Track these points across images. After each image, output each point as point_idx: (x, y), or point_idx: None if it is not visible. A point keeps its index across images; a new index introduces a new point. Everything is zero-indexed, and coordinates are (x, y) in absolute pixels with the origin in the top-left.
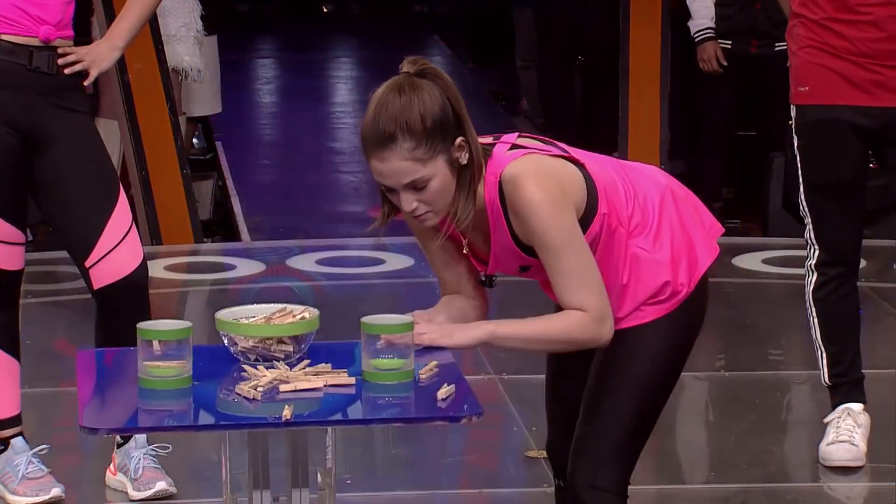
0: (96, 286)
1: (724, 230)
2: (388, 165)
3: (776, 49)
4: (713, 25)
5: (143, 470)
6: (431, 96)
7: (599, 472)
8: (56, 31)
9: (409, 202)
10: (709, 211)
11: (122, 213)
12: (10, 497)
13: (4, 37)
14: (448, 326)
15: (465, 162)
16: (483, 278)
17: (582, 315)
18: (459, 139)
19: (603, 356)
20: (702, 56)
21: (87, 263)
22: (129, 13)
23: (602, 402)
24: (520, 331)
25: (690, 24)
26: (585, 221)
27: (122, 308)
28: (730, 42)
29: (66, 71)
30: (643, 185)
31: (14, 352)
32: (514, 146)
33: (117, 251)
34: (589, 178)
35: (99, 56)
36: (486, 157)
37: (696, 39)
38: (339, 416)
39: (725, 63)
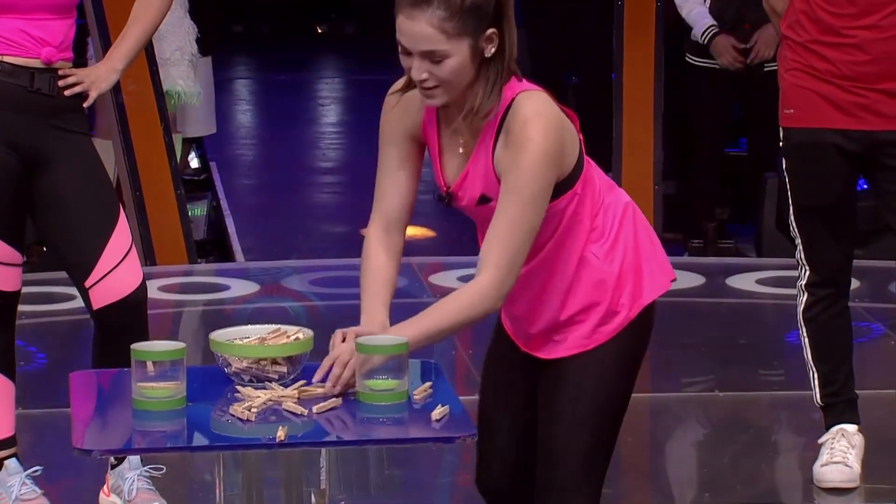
0: (96, 307)
1: (675, 278)
2: (414, 26)
3: (766, 70)
4: (715, 23)
5: (138, 491)
6: None
7: None
8: (58, 52)
9: (420, 70)
10: (664, 253)
11: (121, 234)
12: None
13: (6, 58)
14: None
15: (489, 55)
16: (444, 194)
17: (483, 286)
18: (492, 30)
19: (551, 389)
20: (717, 50)
21: (87, 284)
22: (128, 36)
23: (558, 435)
24: (430, 330)
25: (694, 32)
26: (559, 190)
27: (121, 328)
28: (719, 63)
29: (67, 93)
30: (612, 194)
31: (10, 373)
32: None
33: (117, 271)
34: (581, 158)
35: (99, 78)
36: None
37: (706, 40)
38: (333, 437)
39: (742, 46)
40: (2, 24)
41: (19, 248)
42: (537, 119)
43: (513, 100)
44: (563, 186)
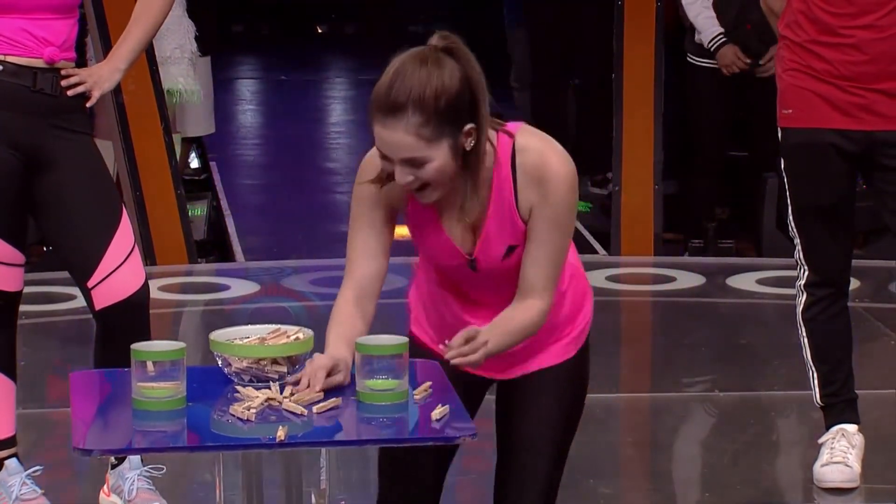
0: (98, 307)
1: None
2: (391, 135)
3: (763, 73)
4: (723, 30)
5: (138, 491)
6: (452, 76)
7: None
8: (60, 52)
9: (403, 176)
10: None
11: (124, 234)
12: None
13: (9, 58)
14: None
15: (469, 148)
16: (469, 260)
17: (541, 309)
18: (469, 126)
19: (519, 400)
20: (723, 62)
21: (90, 284)
22: (130, 36)
23: (526, 451)
24: (506, 339)
25: (702, 37)
26: None
27: (123, 328)
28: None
29: (69, 93)
30: None
31: (11, 373)
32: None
33: (120, 272)
34: None
35: (101, 78)
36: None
37: (712, 49)
38: (333, 437)
39: (749, 61)
40: (4, 23)
41: (21, 249)
42: (553, 151)
43: (513, 143)
44: None
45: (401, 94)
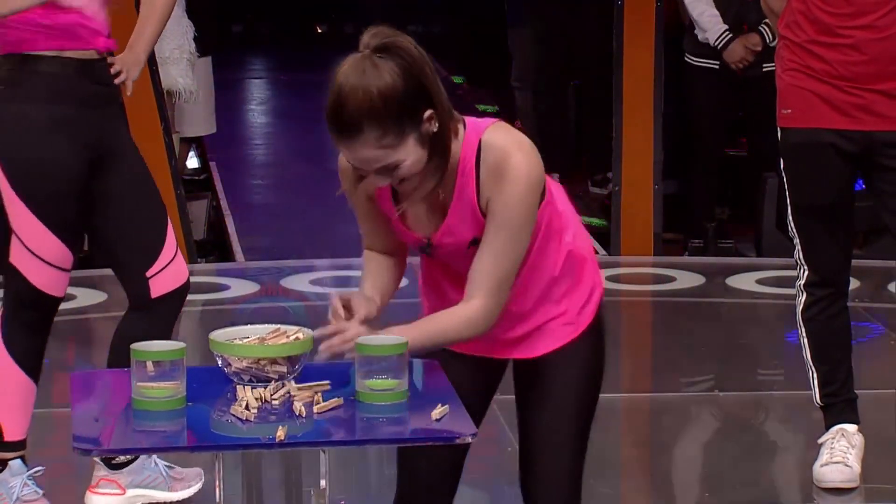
0: (155, 294)
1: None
2: (356, 154)
3: (764, 70)
4: (728, 27)
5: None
6: (393, 75)
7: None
8: (107, 41)
9: (381, 181)
10: None
11: (171, 223)
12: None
13: (68, 53)
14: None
15: (435, 130)
16: (425, 244)
17: (475, 313)
18: (428, 111)
19: (537, 379)
20: (733, 59)
21: (150, 273)
22: (147, 26)
23: (551, 432)
24: (422, 339)
25: (707, 35)
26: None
27: (173, 313)
28: (718, 63)
29: (116, 80)
30: (553, 184)
31: (35, 377)
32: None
33: (176, 260)
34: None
35: (130, 66)
36: (461, 121)
37: (719, 46)
38: (332, 437)
39: (759, 49)
40: (61, 17)
41: (74, 253)
42: (517, 149)
43: (480, 140)
44: (540, 200)
45: (351, 115)
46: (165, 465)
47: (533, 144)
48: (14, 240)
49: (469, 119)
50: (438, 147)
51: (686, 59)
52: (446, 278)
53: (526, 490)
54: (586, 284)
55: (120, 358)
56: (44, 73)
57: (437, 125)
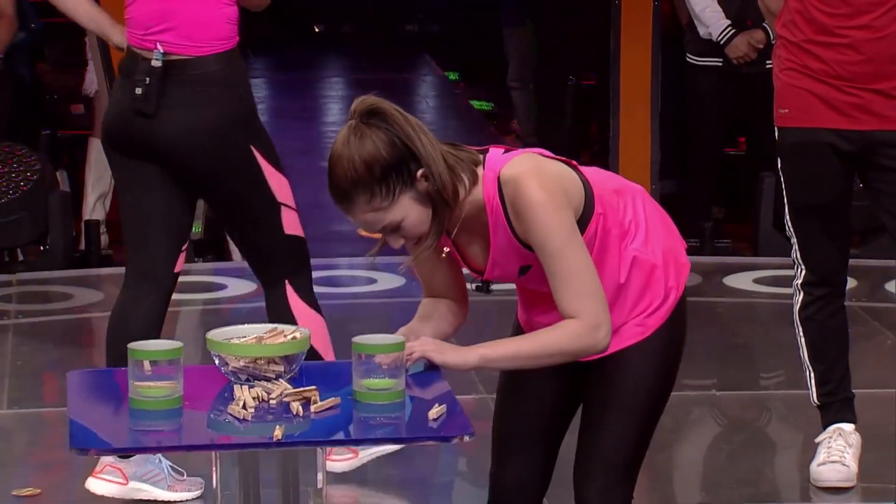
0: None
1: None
2: (355, 218)
3: (767, 66)
4: (730, 22)
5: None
6: (376, 141)
7: (610, 497)
8: None
9: (394, 241)
10: (672, 221)
11: None
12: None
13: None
14: (441, 344)
15: (433, 188)
16: (480, 284)
17: (576, 325)
18: (420, 171)
19: (603, 375)
20: (736, 54)
21: None
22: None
23: (609, 423)
24: (512, 352)
25: (710, 31)
26: (583, 222)
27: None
28: (721, 60)
29: None
30: (627, 188)
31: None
32: (508, 150)
33: None
34: (584, 178)
35: None
36: (479, 162)
37: (722, 41)
38: (329, 437)
39: (762, 46)
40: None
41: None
42: (525, 179)
43: (499, 179)
44: (584, 218)
45: (340, 183)
46: (170, 465)
47: (552, 168)
48: (285, 211)
49: (491, 154)
50: (440, 202)
51: (688, 59)
52: (520, 294)
53: (580, 476)
54: (657, 289)
55: None
56: None
57: (433, 182)
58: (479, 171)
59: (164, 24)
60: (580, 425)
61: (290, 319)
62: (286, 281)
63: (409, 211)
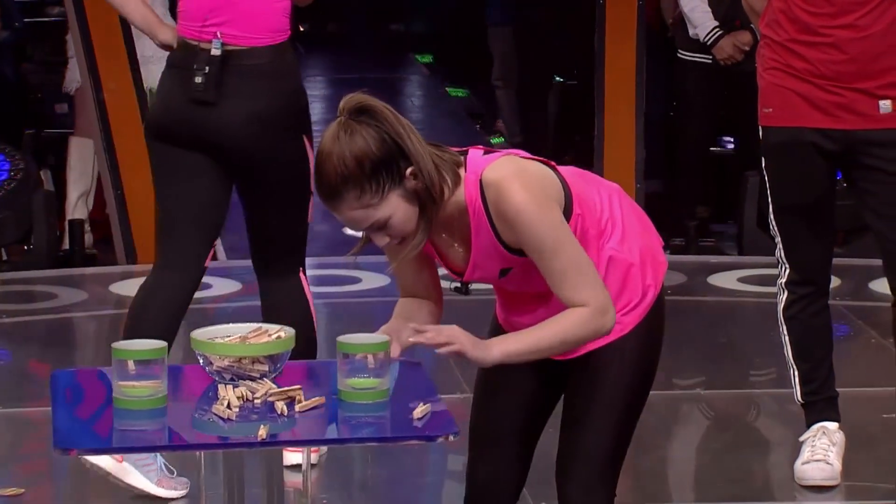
0: None
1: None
2: (343, 215)
3: (754, 66)
4: (718, 23)
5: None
6: (366, 137)
7: (593, 495)
8: None
9: (379, 240)
10: (649, 219)
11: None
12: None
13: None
14: (472, 337)
15: (421, 186)
16: (458, 285)
17: (584, 311)
18: (410, 168)
19: (582, 373)
20: (722, 55)
21: None
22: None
23: (589, 420)
24: (532, 344)
25: (697, 31)
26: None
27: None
28: (710, 57)
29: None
30: (604, 187)
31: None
32: (487, 151)
33: None
34: (562, 179)
35: None
36: (461, 163)
37: (709, 42)
38: (314, 436)
39: (748, 48)
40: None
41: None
42: (507, 183)
43: (481, 182)
44: (564, 216)
45: (329, 179)
46: (164, 462)
47: (533, 168)
48: (312, 200)
49: (471, 156)
50: (428, 200)
51: (679, 54)
52: (499, 295)
53: (561, 473)
54: (635, 288)
55: None
56: None
57: (422, 179)
58: (461, 172)
59: (222, 15)
60: (561, 423)
61: (306, 308)
62: (300, 269)
63: (396, 208)
